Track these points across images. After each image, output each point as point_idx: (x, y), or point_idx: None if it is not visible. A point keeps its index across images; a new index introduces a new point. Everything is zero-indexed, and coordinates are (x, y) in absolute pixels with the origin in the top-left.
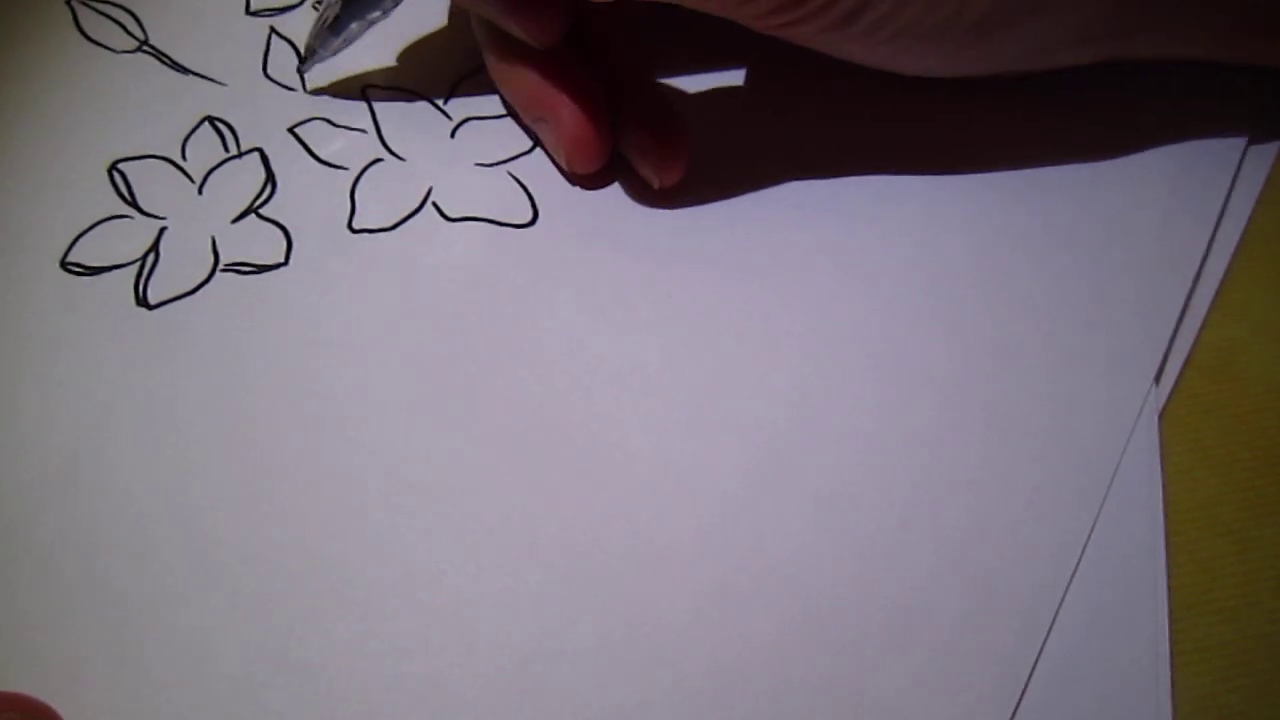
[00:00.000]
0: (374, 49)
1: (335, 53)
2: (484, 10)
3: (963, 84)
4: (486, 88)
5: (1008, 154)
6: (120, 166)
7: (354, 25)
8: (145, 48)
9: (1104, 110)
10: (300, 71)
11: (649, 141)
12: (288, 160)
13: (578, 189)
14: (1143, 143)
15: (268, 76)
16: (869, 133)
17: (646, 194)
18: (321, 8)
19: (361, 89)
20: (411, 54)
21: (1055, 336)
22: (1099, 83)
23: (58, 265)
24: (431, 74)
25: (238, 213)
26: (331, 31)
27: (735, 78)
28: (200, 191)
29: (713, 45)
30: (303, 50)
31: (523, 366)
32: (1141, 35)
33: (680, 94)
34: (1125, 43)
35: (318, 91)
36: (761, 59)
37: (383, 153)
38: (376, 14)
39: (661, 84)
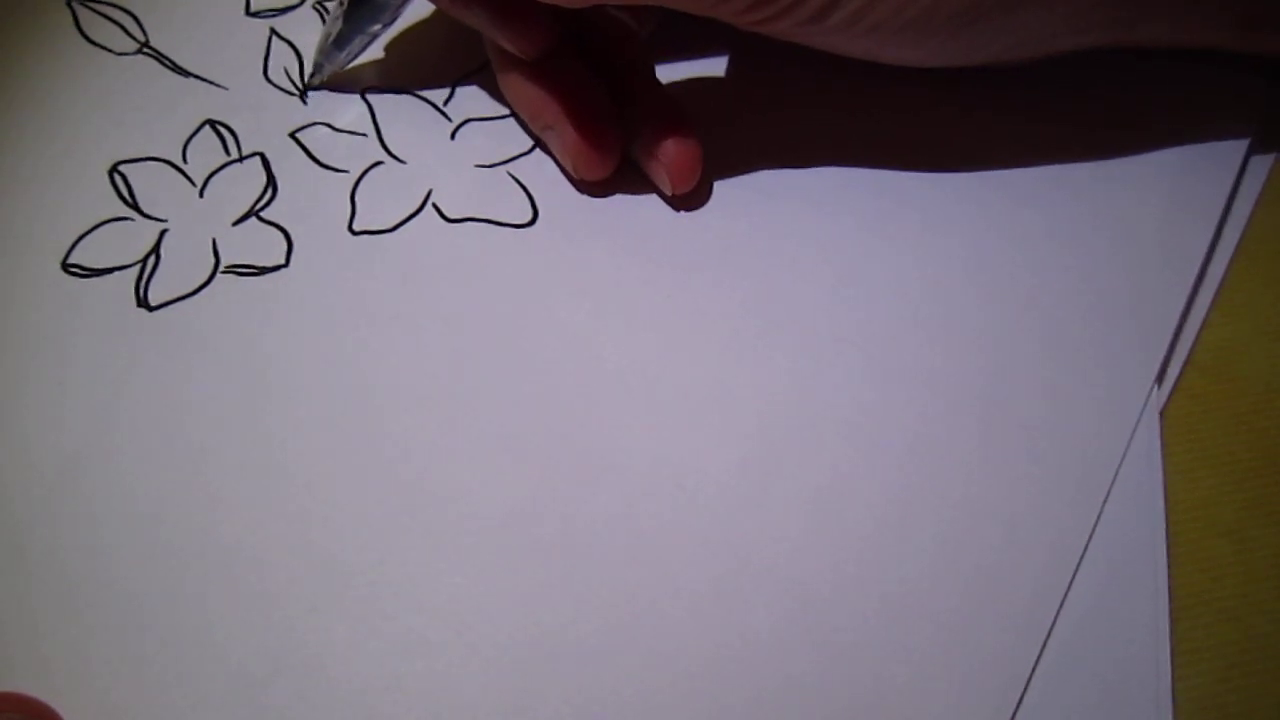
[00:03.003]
0: (374, 51)
1: (341, 67)
2: (471, 22)
3: (963, 84)
4: (486, 88)
5: (1008, 154)
6: (121, 169)
7: (357, 39)
8: (146, 50)
9: (1106, 110)
10: (307, 88)
11: (663, 149)
12: (289, 164)
13: (577, 190)
14: (1145, 142)
15: (268, 80)
16: (869, 134)
17: (646, 194)
18: (326, 24)
19: (362, 91)
20: (411, 55)
21: (1057, 336)
22: (1101, 82)
23: (59, 267)
24: (431, 75)
25: (238, 215)
26: (336, 47)
27: (734, 79)
28: (201, 194)
29: (708, 47)
30: (310, 67)
31: (522, 366)
32: (1141, 26)
33: (681, 94)
34: (1124, 31)
35: (317, 88)
36: (759, 59)
37: (383, 155)
38: (378, 27)
39: (672, 89)
